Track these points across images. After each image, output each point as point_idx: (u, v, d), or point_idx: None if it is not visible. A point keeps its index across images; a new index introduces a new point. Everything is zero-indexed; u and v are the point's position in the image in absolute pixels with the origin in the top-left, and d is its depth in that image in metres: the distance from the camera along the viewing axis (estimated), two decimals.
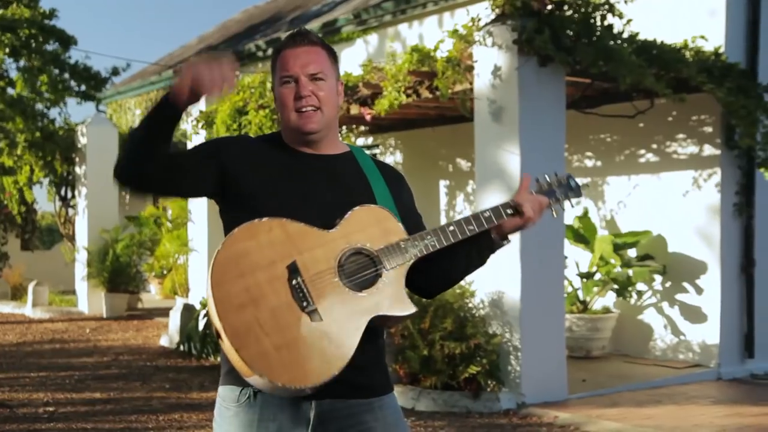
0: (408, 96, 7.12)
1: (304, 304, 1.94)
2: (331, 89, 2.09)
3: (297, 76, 2.06)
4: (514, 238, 6.06)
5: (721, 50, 7.26)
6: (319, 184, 2.09)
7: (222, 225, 2.15)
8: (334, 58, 2.14)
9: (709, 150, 7.54)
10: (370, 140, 10.59)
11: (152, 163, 1.97)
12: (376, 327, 2.07)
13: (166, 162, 2.00)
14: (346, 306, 1.97)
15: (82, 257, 12.29)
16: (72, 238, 12.92)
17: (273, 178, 2.07)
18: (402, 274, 2.04)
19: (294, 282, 1.95)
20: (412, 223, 2.15)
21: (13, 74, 12.15)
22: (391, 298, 2.01)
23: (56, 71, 12.14)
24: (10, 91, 12.15)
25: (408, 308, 2.04)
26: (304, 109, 2.06)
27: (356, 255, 2.01)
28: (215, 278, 1.93)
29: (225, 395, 2.09)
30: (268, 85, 8.46)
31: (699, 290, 7.57)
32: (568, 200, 2.31)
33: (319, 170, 2.11)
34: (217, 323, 1.91)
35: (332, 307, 1.96)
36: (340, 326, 1.95)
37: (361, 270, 2.01)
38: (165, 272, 12.38)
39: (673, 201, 7.74)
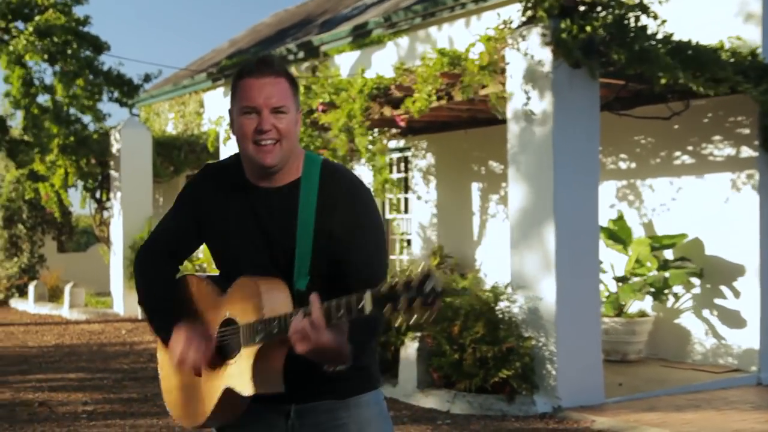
0: (440, 98, 7.13)
1: None
2: (291, 121, 2.09)
3: (260, 108, 2.05)
4: (550, 243, 6.12)
5: (759, 51, 7.16)
6: (260, 227, 2.11)
7: None
8: (295, 88, 2.14)
9: (746, 152, 7.44)
10: (402, 143, 10.60)
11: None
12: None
13: (174, 277, 2.29)
14: (213, 371, 2.12)
15: (117, 259, 12.46)
16: (107, 241, 13.09)
17: (226, 225, 2.16)
18: (252, 353, 2.00)
19: None
20: (342, 254, 2.03)
21: (48, 80, 12.33)
22: (240, 374, 2.03)
23: (90, 77, 12.31)
24: (44, 97, 12.32)
25: (244, 389, 2.01)
26: (263, 143, 2.06)
27: (230, 324, 2.10)
28: None
29: None
30: (300, 89, 8.50)
31: (737, 294, 7.47)
32: (410, 311, 1.67)
33: (265, 209, 2.12)
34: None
35: (207, 368, 2.13)
36: (205, 388, 2.13)
37: (230, 340, 2.10)
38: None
39: (710, 203, 7.65)
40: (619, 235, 7.93)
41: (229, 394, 2.06)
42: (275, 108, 2.05)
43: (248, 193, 2.13)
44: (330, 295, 1.87)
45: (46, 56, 11.79)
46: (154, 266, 2.26)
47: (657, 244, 7.68)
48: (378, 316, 1.79)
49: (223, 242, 2.15)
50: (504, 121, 6.71)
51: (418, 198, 10.57)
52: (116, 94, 12.90)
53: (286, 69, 2.13)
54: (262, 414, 2.14)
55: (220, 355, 2.10)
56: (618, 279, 7.87)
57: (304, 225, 2.06)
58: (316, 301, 1.85)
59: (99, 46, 12.53)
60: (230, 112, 2.14)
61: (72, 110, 12.41)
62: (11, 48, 11.70)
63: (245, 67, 2.10)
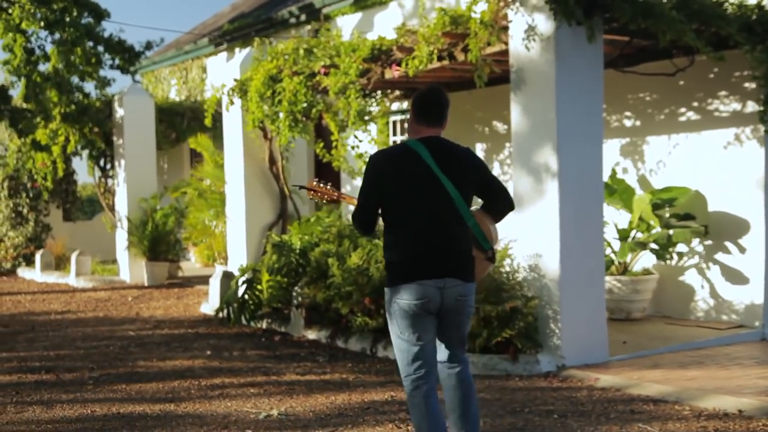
0: (442, 59, 7.04)
1: None
2: None
3: None
4: (554, 202, 6.07)
5: (765, 3, 7.02)
6: None
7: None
8: None
9: (751, 107, 7.34)
10: (405, 104, 10.50)
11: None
12: None
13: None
14: None
15: (122, 227, 12.48)
16: (112, 208, 13.10)
17: None
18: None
19: None
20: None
21: (49, 48, 12.20)
22: None
23: (90, 44, 12.19)
24: (44, 65, 12.20)
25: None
26: None
27: None
28: None
29: None
30: (301, 52, 8.42)
31: (742, 249, 7.43)
32: None
33: None
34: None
35: None
36: None
37: None
38: (203, 241, 12.51)
39: (715, 159, 7.58)
40: (620, 192, 7.88)
41: None
42: None
43: None
44: None
45: (43, 24, 11.66)
46: None
47: (658, 200, 7.62)
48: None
49: None
50: (508, 81, 6.63)
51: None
52: (117, 62, 12.79)
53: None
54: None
55: None
56: (621, 238, 7.84)
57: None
58: None
59: (99, 13, 12.39)
60: None
61: (74, 78, 12.30)
62: (6, 16, 11.57)
63: None
